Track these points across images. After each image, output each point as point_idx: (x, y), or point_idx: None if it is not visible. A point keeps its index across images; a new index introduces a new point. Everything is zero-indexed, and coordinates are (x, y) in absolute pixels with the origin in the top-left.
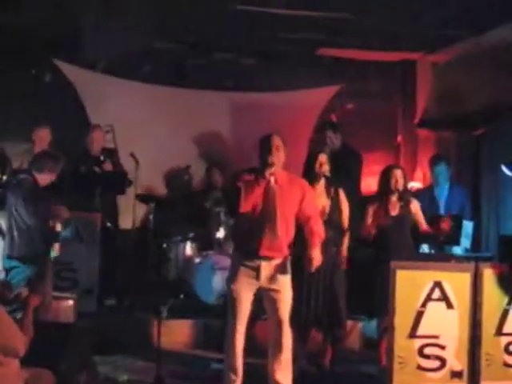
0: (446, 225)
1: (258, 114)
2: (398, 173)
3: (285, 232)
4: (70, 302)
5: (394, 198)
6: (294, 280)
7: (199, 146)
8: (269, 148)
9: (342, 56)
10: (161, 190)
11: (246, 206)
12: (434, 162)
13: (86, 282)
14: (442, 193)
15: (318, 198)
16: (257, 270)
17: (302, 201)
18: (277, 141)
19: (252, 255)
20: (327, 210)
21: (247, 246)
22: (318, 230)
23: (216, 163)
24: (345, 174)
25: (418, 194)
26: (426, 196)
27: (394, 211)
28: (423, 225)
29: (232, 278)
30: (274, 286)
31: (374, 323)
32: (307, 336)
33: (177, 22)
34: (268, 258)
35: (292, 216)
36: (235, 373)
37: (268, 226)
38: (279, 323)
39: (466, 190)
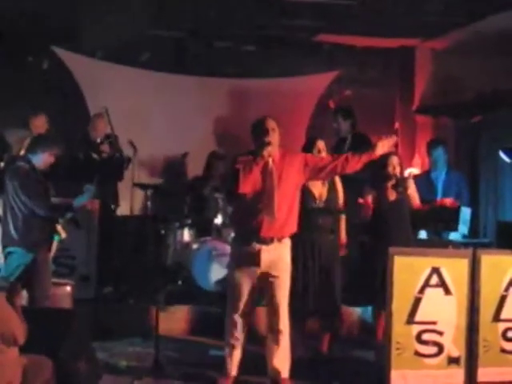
0: (449, 202)
1: (258, 100)
2: (395, 159)
3: (286, 212)
4: (68, 289)
5: (390, 184)
6: (291, 267)
7: (198, 133)
8: (265, 129)
9: (341, 42)
10: (159, 176)
11: (244, 187)
12: (431, 146)
13: (84, 269)
14: (440, 177)
15: (314, 185)
16: (257, 255)
17: (307, 163)
18: (271, 123)
19: (252, 238)
20: (324, 196)
21: (247, 228)
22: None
23: (215, 150)
24: None
25: (415, 179)
26: (424, 180)
27: (392, 197)
28: (416, 201)
29: (232, 265)
30: (273, 272)
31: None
32: (304, 323)
33: (176, 8)
34: (268, 240)
35: (295, 196)
36: (234, 360)
37: (267, 206)
38: (277, 309)
39: (463, 175)
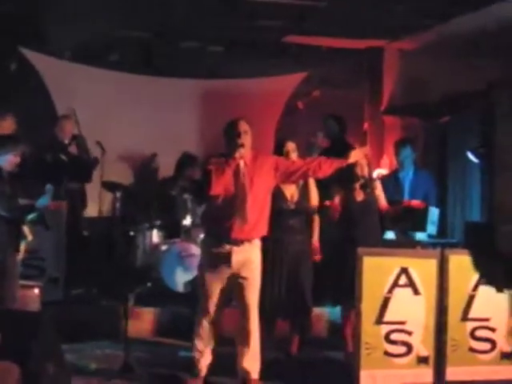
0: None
1: (225, 101)
2: (363, 160)
3: (257, 214)
4: (36, 291)
5: (358, 185)
6: (262, 267)
7: (166, 134)
8: (237, 131)
9: (309, 43)
10: (127, 177)
11: (216, 188)
12: (399, 146)
13: (53, 271)
14: (407, 177)
15: (286, 186)
16: (228, 256)
17: (277, 167)
18: (244, 125)
19: (223, 239)
20: (295, 197)
21: (218, 229)
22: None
23: (183, 151)
24: None
25: (382, 179)
26: (391, 181)
27: (359, 198)
28: (384, 204)
29: (202, 266)
30: (243, 273)
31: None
32: (273, 324)
33: (144, 10)
34: (239, 242)
35: (266, 198)
36: (203, 361)
37: (239, 208)
38: (247, 310)
39: (430, 175)
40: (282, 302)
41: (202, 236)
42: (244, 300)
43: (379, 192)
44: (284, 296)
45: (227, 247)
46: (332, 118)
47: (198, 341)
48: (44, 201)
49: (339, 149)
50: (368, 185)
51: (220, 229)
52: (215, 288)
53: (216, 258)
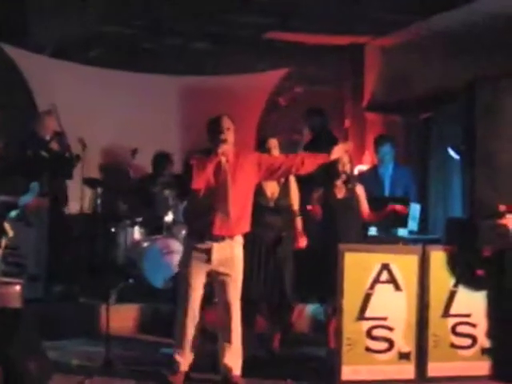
0: (399, 207)
1: (208, 97)
2: (345, 157)
3: (239, 211)
4: (17, 288)
5: (340, 181)
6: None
7: (148, 130)
8: (220, 127)
9: (291, 40)
10: (109, 174)
11: (198, 183)
12: (379, 142)
13: (34, 268)
14: (387, 173)
15: (268, 184)
16: (208, 252)
17: (260, 164)
18: (227, 122)
19: (204, 236)
20: (276, 195)
21: (200, 225)
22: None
23: (164, 148)
24: None
25: (363, 175)
26: (371, 176)
27: (341, 194)
28: (366, 210)
29: (184, 262)
30: (225, 270)
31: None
32: (255, 321)
33: (127, 5)
34: (220, 238)
35: (248, 195)
36: (184, 357)
37: (220, 204)
38: (228, 307)
39: (409, 170)
40: (262, 299)
41: (183, 233)
42: (226, 296)
43: (361, 195)
44: (265, 293)
45: (208, 243)
46: (314, 111)
47: (179, 338)
48: (27, 198)
49: (323, 141)
50: (350, 181)
51: (202, 224)
52: (197, 285)
53: (197, 255)
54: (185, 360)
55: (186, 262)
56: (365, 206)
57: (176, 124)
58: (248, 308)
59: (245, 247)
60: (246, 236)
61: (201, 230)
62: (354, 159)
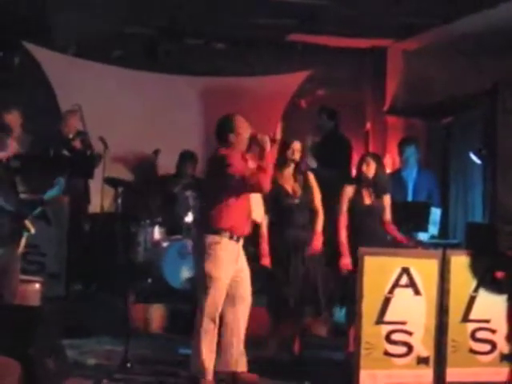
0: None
1: (229, 99)
2: (370, 160)
3: (249, 211)
4: (37, 286)
5: (367, 186)
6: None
7: (169, 131)
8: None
9: (313, 42)
10: (130, 173)
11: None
12: (404, 144)
13: (54, 266)
14: (411, 176)
15: (287, 182)
16: (237, 252)
17: None
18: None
19: (232, 236)
20: (298, 193)
21: (227, 226)
22: None
23: (187, 148)
24: (335, 159)
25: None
26: (395, 179)
27: (368, 200)
28: (387, 219)
29: (214, 263)
30: (242, 266)
31: (342, 310)
32: (279, 323)
33: (148, 6)
34: (241, 238)
35: None
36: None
37: (246, 203)
38: (242, 301)
39: (433, 174)
40: (291, 300)
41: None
42: (242, 291)
43: (387, 205)
44: (294, 293)
45: (235, 243)
46: (324, 111)
47: (206, 343)
48: (53, 193)
49: (332, 143)
50: (378, 190)
51: (229, 225)
52: (224, 285)
53: (227, 255)
54: (212, 363)
55: (215, 263)
56: (388, 217)
57: (197, 125)
58: (276, 310)
59: (277, 247)
60: (277, 236)
61: (228, 230)
62: (385, 165)
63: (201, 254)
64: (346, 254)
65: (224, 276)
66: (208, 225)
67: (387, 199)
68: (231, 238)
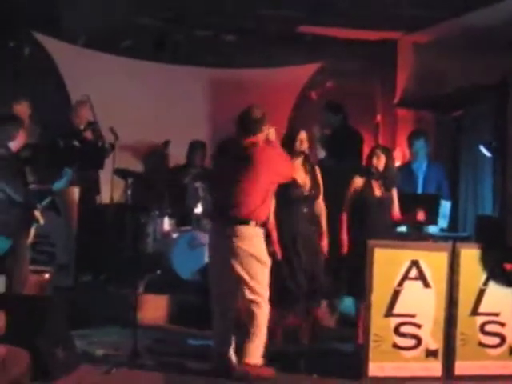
0: (421, 216)
1: (238, 90)
2: (380, 153)
3: None
4: (47, 276)
5: (376, 178)
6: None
7: (179, 122)
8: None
9: (323, 34)
10: (139, 164)
11: None
12: (413, 137)
13: (63, 256)
14: (420, 169)
15: (297, 173)
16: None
17: None
18: None
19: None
20: (308, 185)
21: (240, 214)
22: None
23: (196, 139)
24: (345, 152)
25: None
26: (405, 172)
27: (378, 192)
28: (396, 212)
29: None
30: None
31: (350, 301)
32: (286, 314)
33: None
34: None
35: None
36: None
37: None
38: None
39: (443, 167)
40: (296, 291)
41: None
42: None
43: (394, 196)
44: (298, 285)
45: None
46: (329, 107)
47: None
48: (60, 184)
49: (342, 137)
50: (386, 179)
51: (243, 215)
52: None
53: (240, 243)
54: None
55: (232, 253)
56: (396, 209)
57: (205, 116)
58: (282, 301)
59: (281, 239)
60: (282, 228)
61: (239, 220)
62: (394, 159)
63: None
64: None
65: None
66: (246, 216)
67: (395, 193)
68: (261, 227)
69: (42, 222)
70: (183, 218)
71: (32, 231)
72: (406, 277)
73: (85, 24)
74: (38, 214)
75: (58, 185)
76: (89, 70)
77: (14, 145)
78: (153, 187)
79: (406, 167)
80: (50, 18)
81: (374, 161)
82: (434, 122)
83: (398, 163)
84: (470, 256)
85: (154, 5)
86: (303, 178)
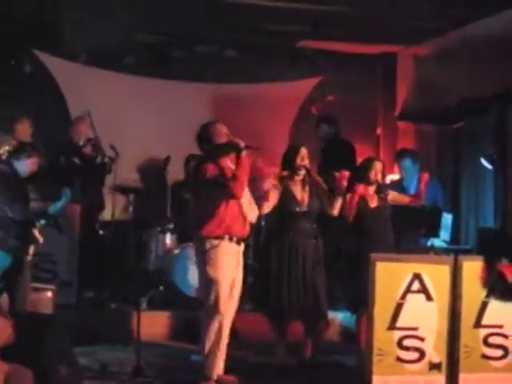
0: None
1: (240, 105)
2: (378, 165)
3: None
4: (49, 294)
5: (372, 189)
6: (274, 271)
7: (180, 137)
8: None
9: (323, 48)
10: (141, 181)
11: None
12: (398, 158)
13: (66, 274)
14: (411, 185)
15: (296, 189)
16: (238, 255)
17: None
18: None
19: (236, 239)
20: (306, 201)
21: (231, 229)
22: None
23: (195, 154)
24: (338, 165)
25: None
26: (397, 188)
27: (373, 203)
28: (406, 199)
29: (219, 267)
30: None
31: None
32: (287, 328)
33: (159, 13)
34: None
35: None
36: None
37: (240, 205)
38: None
39: (436, 180)
40: (296, 306)
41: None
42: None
43: (394, 198)
44: (299, 300)
45: (237, 246)
46: (322, 120)
47: (215, 344)
48: (57, 207)
49: (334, 150)
50: (381, 190)
51: (232, 229)
52: (226, 287)
53: (230, 258)
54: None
55: (220, 268)
56: (405, 200)
57: None
58: (281, 316)
59: (277, 254)
60: (279, 242)
61: (233, 233)
62: (385, 169)
63: (201, 259)
64: None
65: (224, 279)
66: (204, 229)
67: (393, 194)
68: (230, 240)
69: (40, 241)
70: (184, 234)
71: (31, 249)
72: (408, 290)
73: (86, 41)
74: (36, 232)
75: (55, 207)
76: (90, 87)
77: (24, 168)
78: (154, 203)
79: (399, 184)
80: (51, 36)
81: (372, 174)
82: (435, 135)
83: (398, 176)
84: (473, 268)
85: (154, 21)
86: (303, 194)
